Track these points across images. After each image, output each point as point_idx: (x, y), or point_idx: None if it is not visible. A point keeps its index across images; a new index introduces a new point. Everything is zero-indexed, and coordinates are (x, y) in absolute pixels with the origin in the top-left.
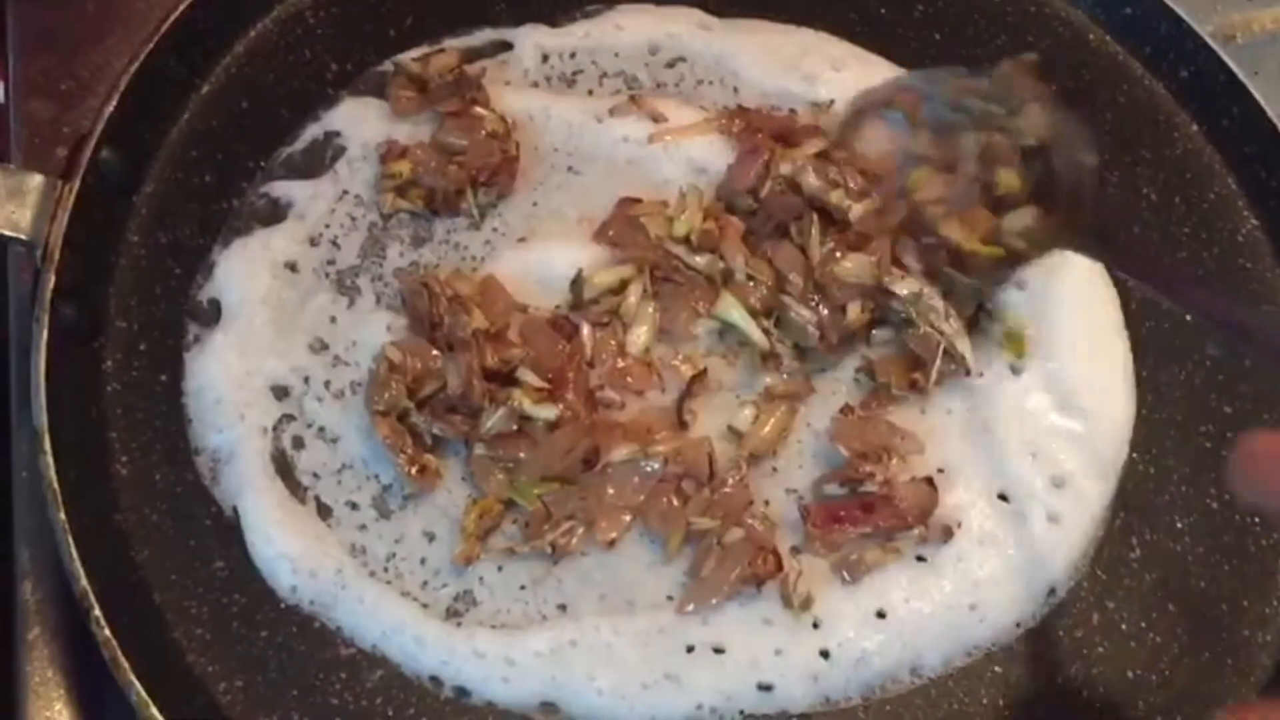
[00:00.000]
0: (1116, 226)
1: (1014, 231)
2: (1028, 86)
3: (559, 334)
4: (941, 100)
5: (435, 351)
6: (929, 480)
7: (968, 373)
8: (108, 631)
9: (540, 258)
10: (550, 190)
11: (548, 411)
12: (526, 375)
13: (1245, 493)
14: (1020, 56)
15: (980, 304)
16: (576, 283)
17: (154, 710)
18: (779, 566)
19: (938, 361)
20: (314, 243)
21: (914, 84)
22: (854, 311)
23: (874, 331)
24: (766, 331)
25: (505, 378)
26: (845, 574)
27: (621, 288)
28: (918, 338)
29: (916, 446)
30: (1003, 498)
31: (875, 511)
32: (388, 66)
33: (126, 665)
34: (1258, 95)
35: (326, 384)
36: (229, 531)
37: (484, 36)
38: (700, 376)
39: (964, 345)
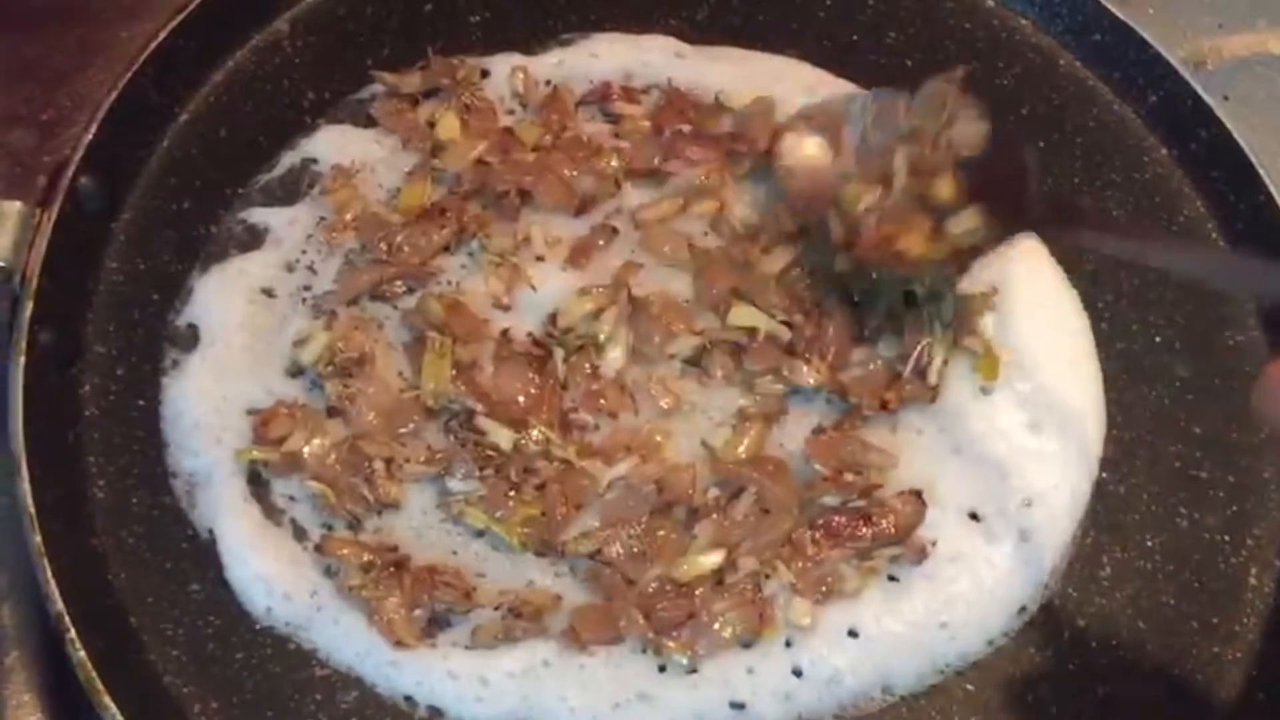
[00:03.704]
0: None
1: (958, 233)
2: (956, 100)
3: (529, 367)
4: (865, 122)
5: None
6: (918, 494)
7: (932, 399)
8: (84, 654)
9: (516, 281)
10: (525, 213)
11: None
12: (486, 424)
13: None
14: (948, 73)
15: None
16: (554, 314)
17: None
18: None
19: (910, 366)
20: (290, 269)
21: (836, 108)
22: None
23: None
24: (788, 323)
25: (468, 421)
26: (818, 594)
27: (598, 313)
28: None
29: (891, 461)
30: (974, 516)
31: (871, 523)
32: (364, 94)
33: (102, 687)
34: (1226, 120)
35: (302, 408)
36: (205, 554)
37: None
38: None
39: (938, 363)
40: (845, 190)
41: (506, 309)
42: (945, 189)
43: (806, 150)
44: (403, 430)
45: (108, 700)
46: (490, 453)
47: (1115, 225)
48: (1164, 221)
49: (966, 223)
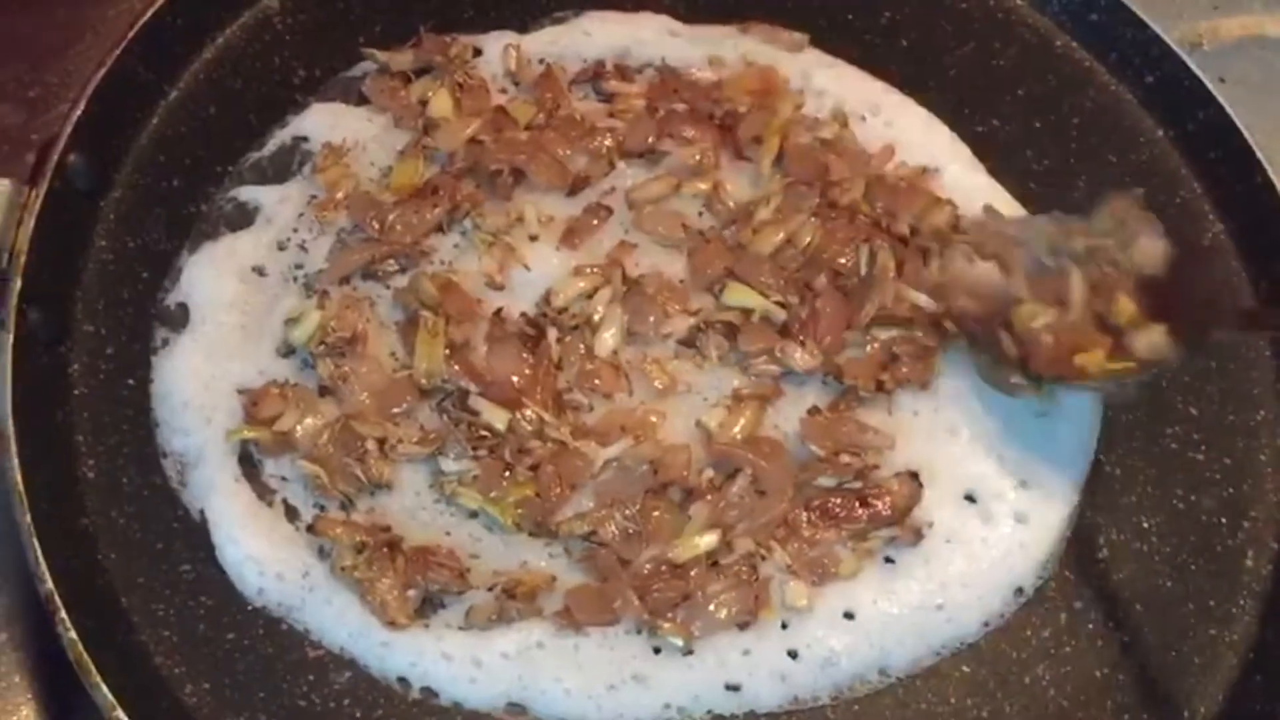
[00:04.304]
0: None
1: (1142, 350)
2: (1136, 219)
3: (523, 347)
4: (1038, 247)
5: None
6: (914, 475)
7: (924, 386)
8: (74, 634)
9: (510, 260)
10: (519, 192)
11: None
12: (480, 404)
13: None
14: (1124, 193)
15: None
16: (548, 294)
17: (120, 712)
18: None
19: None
20: (281, 247)
21: (1009, 233)
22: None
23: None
24: (782, 304)
25: (462, 401)
26: (814, 576)
27: (592, 293)
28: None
29: (887, 442)
30: (970, 498)
31: (867, 505)
32: (356, 72)
33: (92, 667)
34: (1223, 101)
35: (294, 387)
36: (196, 534)
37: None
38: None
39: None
40: (1018, 311)
41: (500, 288)
42: (1125, 309)
43: (976, 274)
44: (395, 410)
45: (98, 679)
46: (484, 433)
47: None
48: (1161, 203)
49: (1151, 339)
